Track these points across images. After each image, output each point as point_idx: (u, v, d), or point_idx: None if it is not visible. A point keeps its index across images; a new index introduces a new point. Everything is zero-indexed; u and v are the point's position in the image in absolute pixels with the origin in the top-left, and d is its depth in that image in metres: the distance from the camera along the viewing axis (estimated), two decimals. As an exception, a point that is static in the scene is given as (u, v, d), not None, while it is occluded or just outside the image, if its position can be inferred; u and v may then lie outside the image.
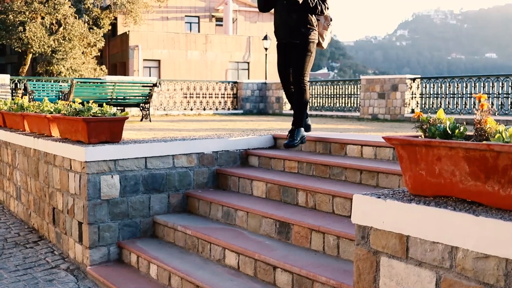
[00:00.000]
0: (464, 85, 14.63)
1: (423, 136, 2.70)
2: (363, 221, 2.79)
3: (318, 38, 6.24)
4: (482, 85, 14.27)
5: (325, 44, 6.35)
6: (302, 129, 6.20)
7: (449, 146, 2.46)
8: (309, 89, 7.07)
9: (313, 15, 6.06)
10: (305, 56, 6.04)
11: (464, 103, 14.72)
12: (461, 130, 2.58)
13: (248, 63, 38.70)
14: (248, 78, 36.72)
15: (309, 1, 5.88)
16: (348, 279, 3.64)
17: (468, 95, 14.67)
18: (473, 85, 14.43)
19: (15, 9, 26.77)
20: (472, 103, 14.63)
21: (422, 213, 2.51)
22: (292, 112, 6.34)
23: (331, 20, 6.29)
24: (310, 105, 19.71)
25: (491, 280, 2.26)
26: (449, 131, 2.60)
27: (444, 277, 2.43)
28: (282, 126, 11.01)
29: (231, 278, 4.46)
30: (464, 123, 2.70)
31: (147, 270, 5.16)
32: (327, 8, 6.07)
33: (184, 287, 4.60)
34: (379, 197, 2.72)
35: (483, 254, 2.29)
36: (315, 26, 6.10)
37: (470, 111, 14.33)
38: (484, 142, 2.39)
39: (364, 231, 2.80)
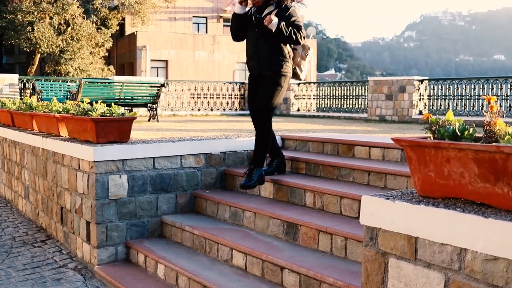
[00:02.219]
0: (472, 87, 14.57)
1: (432, 137, 2.70)
2: (372, 222, 2.79)
3: (295, 69, 5.66)
4: (490, 87, 14.20)
5: (302, 76, 5.75)
6: (263, 169, 5.58)
7: (459, 148, 2.46)
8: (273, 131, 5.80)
9: (288, 45, 5.48)
10: (274, 90, 5.43)
11: (472, 105, 14.65)
12: (471, 132, 2.57)
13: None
14: (256, 79, 36.65)
15: (282, 29, 5.24)
16: (356, 280, 3.64)
17: (476, 97, 14.60)
18: (481, 87, 14.37)
19: (23, 9, 26.85)
20: (480, 105, 14.57)
21: (431, 215, 2.51)
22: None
23: (309, 49, 5.70)
24: (318, 106, 19.70)
25: (500, 282, 2.26)
26: (458, 133, 2.59)
27: (453, 279, 2.43)
28: (289, 127, 11.01)
29: (238, 278, 4.47)
30: (474, 125, 2.70)
31: (154, 270, 5.17)
32: (303, 37, 5.42)
33: (191, 287, 4.61)
34: (387, 198, 2.72)
35: (492, 256, 2.28)
36: (288, 57, 5.50)
37: (478, 113, 14.26)
38: (494, 144, 2.38)
39: (373, 232, 2.79)
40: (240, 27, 5.59)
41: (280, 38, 5.32)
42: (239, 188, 5.84)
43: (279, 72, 5.42)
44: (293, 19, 5.34)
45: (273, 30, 5.23)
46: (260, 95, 5.47)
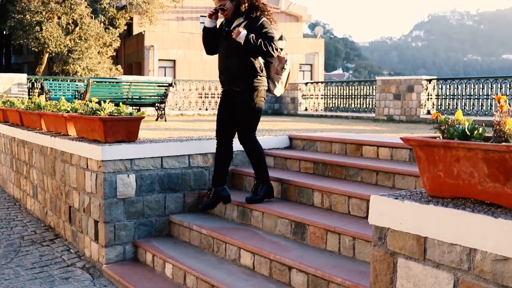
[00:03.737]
0: (481, 86, 14.51)
1: (441, 137, 2.69)
2: (381, 222, 2.78)
3: (269, 84, 5.34)
4: (499, 86, 14.13)
5: (278, 91, 5.42)
6: (268, 185, 5.38)
7: (468, 148, 2.45)
8: (259, 145, 5.39)
9: (259, 59, 5.19)
10: (247, 110, 5.17)
11: (480, 104, 14.59)
12: (480, 132, 2.56)
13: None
14: (263, 79, 36.66)
15: (251, 41, 4.94)
16: (364, 280, 3.63)
17: (485, 97, 14.54)
18: (489, 86, 14.30)
19: (32, 9, 26.93)
20: (489, 104, 14.50)
21: (440, 215, 2.50)
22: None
23: (286, 63, 5.38)
24: (325, 105, 19.67)
25: (510, 282, 2.25)
26: (467, 132, 2.58)
27: (462, 279, 2.42)
28: (298, 126, 11.00)
29: (246, 278, 4.47)
30: (483, 124, 2.68)
31: (162, 269, 5.18)
32: (276, 50, 5.08)
33: (199, 287, 4.61)
34: (396, 198, 2.71)
35: (502, 257, 2.27)
36: (261, 71, 5.18)
37: (486, 112, 14.20)
38: (504, 143, 2.37)
39: (381, 232, 2.79)
40: (210, 41, 5.35)
41: (250, 51, 5.04)
42: (246, 202, 5.40)
43: (250, 87, 5.12)
44: (264, 30, 5.06)
45: (242, 43, 4.97)
46: (238, 116, 5.22)
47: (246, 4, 5.13)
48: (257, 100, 5.19)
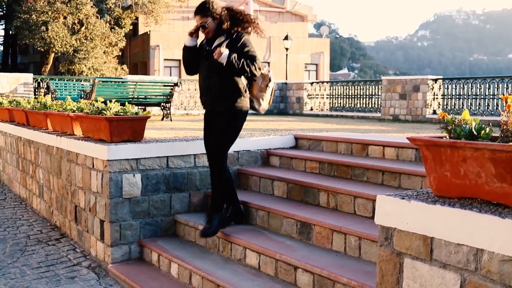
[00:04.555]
0: (487, 86, 14.45)
1: (448, 137, 2.68)
2: (387, 222, 2.77)
3: (253, 102, 5.16)
4: (505, 86, 14.08)
5: (262, 108, 5.23)
6: (223, 216, 5.12)
7: (475, 147, 2.44)
8: (229, 171, 5.27)
9: (242, 77, 5.01)
10: (227, 128, 4.98)
11: (486, 104, 14.54)
12: (487, 131, 2.55)
13: (269, 63, 38.63)
14: (268, 78, 36.64)
15: (233, 61, 4.75)
16: (370, 280, 3.62)
17: (491, 96, 14.49)
18: (496, 86, 14.25)
19: (38, 9, 27.00)
20: (495, 104, 14.45)
21: (447, 215, 2.49)
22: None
23: (270, 81, 5.18)
24: (331, 105, 19.65)
25: (518, 283, 2.24)
26: (474, 132, 2.57)
27: (469, 280, 2.41)
28: (303, 126, 10.99)
29: (251, 278, 4.46)
30: (490, 124, 2.67)
31: (168, 268, 5.18)
32: (259, 69, 4.92)
33: (204, 286, 4.61)
34: (403, 198, 2.71)
35: (509, 257, 2.26)
36: (244, 90, 5.00)
37: (493, 112, 14.15)
38: (511, 143, 2.36)
39: (388, 232, 2.78)
40: (191, 60, 5.14)
41: (232, 71, 4.85)
42: (199, 235, 5.25)
43: (233, 107, 4.93)
44: (246, 49, 4.88)
45: (224, 64, 4.78)
46: (214, 133, 5.03)
47: (229, 23, 4.96)
48: (237, 121, 5.02)
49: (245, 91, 5.03)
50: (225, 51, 4.77)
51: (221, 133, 4.99)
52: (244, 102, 5.01)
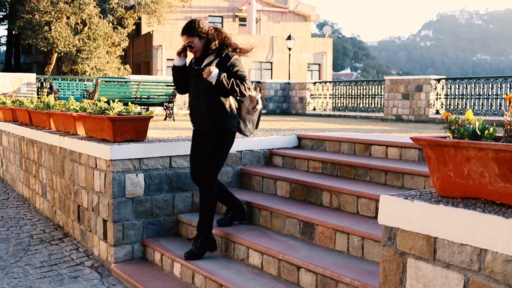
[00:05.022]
0: (490, 86, 14.43)
1: (451, 137, 2.67)
2: (390, 222, 2.77)
3: (240, 124, 5.07)
4: (508, 86, 14.06)
5: (248, 132, 5.14)
6: (208, 237, 5.01)
7: (479, 147, 2.43)
8: (216, 191, 5.10)
9: (231, 98, 4.92)
10: (214, 149, 4.88)
11: (490, 104, 14.51)
12: (491, 131, 2.54)
13: (271, 63, 38.67)
14: (271, 78, 36.71)
15: (223, 81, 4.66)
16: (373, 280, 3.62)
17: (494, 96, 14.47)
18: (499, 86, 14.23)
19: (41, 9, 27.06)
20: (498, 104, 14.42)
21: (451, 215, 2.48)
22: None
23: (257, 102, 5.09)
24: (334, 105, 19.63)
25: (521, 283, 2.23)
26: (478, 132, 2.56)
27: (473, 280, 2.40)
28: (306, 126, 10.98)
29: (254, 277, 4.46)
30: (494, 124, 2.66)
31: (170, 268, 5.19)
32: (248, 89, 4.81)
33: (207, 286, 4.61)
34: (406, 198, 2.70)
35: (513, 257, 2.26)
36: (232, 111, 4.91)
37: (496, 112, 14.12)
38: (515, 143, 2.35)
39: (391, 232, 2.77)
40: (180, 79, 5.12)
41: (221, 91, 4.77)
42: (183, 257, 5.03)
43: (221, 129, 4.86)
44: (235, 69, 4.79)
45: (213, 83, 4.70)
46: (201, 155, 4.94)
47: (217, 42, 4.89)
48: (225, 143, 4.93)
49: (233, 112, 4.93)
50: (214, 70, 4.70)
51: (208, 155, 4.90)
52: (232, 123, 4.92)
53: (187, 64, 5.11)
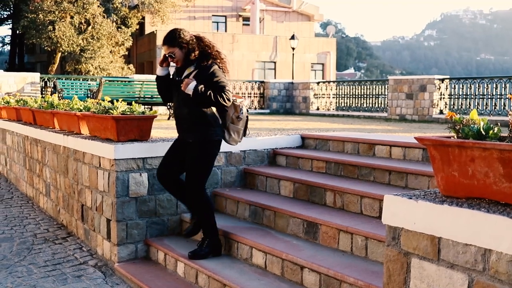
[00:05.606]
0: (494, 86, 14.40)
1: (456, 136, 2.67)
2: (394, 222, 2.76)
3: (225, 135, 4.99)
4: (512, 86, 14.04)
5: (233, 141, 5.04)
6: (216, 240, 5.03)
7: (483, 147, 2.43)
8: (208, 199, 5.09)
9: (212, 108, 4.85)
10: (197, 160, 4.86)
11: (494, 104, 14.49)
12: (495, 131, 2.54)
13: (275, 62, 38.68)
14: (275, 78, 36.70)
15: (200, 93, 4.63)
16: (377, 280, 3.62)
17: (498, 96, 14.44)
18: (503, 86, 14.20)
19: (45, 8, 27.10)
20: (502, 104, 14.40)
21: (455, 215, 2.48)
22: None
23: (241, 111, 4.98)
24: (337, 104, 19.62)
25: (526, 283, 2.22)
26: (483, 132, 2.56)
27: (477, 280, 2.40)
28: (309, 126, 10.98)
29: (258, 277, 4.46)
30: (499, 124, 2.66)
31: (174, 267, 5.19)
32: (228, 100, 4.72)
33: (211, 286, 4.61)
34: (410, 198, 2.70)
35: (517, 257, 2.25)
36: (215, 121, 4.87)
37: (500, 112, 14.10)
38: (520, 143, 2.35)
39: (395, 232, 2.77)
40: (164, 89, 5.07)
41: (199, 103, 4.72)
42: (188, 257, 5.02)
43: (202, 139, 4.83)
44: (216, 79, 4.73)
45: (191, 95, 4.67)
46: (187, 167, 4.93)
47: (197, 52, 4.82)
48: (208, 153, 4.90)
49: (215, 121, 4.89)
50: (192, 82, 4.68)
51: (194, 165, 4.88)
52: (215, 132, 4.88)
53: (171, 73, 5.06)
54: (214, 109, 4.88)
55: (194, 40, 4.85)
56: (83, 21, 28.68)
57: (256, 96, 21.05)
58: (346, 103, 19.40)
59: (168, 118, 14.31)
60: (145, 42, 38.45)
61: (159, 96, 14.34)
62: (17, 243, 6.43)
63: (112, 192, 5.52)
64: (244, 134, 5.14)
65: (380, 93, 18.20)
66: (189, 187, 4.93)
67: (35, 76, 17.85)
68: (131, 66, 32.57)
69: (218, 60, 4.87)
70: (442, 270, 2.54)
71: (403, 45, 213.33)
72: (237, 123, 5.01)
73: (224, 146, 6.08)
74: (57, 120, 7.64)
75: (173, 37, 4.81)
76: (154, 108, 15.04)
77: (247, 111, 5.12)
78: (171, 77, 5.05)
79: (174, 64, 4.96)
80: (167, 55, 4.84)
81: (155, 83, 5.22)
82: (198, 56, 4.84)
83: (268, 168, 6.32)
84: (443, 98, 15.50)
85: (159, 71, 4.99)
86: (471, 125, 2.62)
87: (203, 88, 4.65)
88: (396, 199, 2.75)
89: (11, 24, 41.62)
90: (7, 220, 7.51)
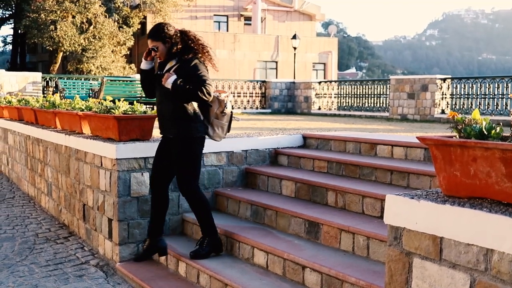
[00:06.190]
0: (496, 85, 14.39)
1: (458, 136, 2.66)
2: (396, 222, 2.76)
3: (209, 130, 4.94)
4: (514, 85, 14.02)
5: (217, 137, 5.01)
6: (215, 238, 5.00)
7: (485, 147, 2.42)
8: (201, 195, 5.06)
9: (193, 103, 4.81)
10: (182, 156, 4.84)
11: (495, 103, 14.48)
12: (498, 131, 2.53)
13: (276, 62, 38.68)
14: (276, 78, 36.70)
15: (179, 87, 4.63)
16: (379, 280, 3.61)
17: (500, 96, 14.43)
18: (505, 85, 14.19)
19: (46, 8, 27.14)
20: (504, 104, 14.39)
21: (457, 215, 2.47)
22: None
23: (225, 106, 4.93)
24: (339, 104, 19.62)
25: (528, 283, 2.22)
26: (485, 132, 2.55)
27: (479, 280, 2.39)
28: (311, 125, 10.98)
29: (259, 277, 4.46)
30: (501, 124, 2.65)
31: (175, 267, 5.19)
32: (209, 94, 4.65)
33: (212, 285, 4.61)
34: (412, 198, 2.69)
35: (519, 257, 2.25)
36: (197, 116, 4.83)
37: (502, 112, 14.09)
38: (522, 143, 2.34)
39: (397, 232, 2.77)
40: (146, 83, 5.06)
41: (179, 97, 4.70)
42: (189, 257, 4.99)
43: (183, 134, 4.81)
44: (197, 72, 4.71)
45: (170, 89, 4.66)
46: (175, 166, 4.92)
47: (179, 46, 4.80)
48: (192, 148, 4.86)
49: (197, 117, 4.85)
50: (172, 76, 4.68)
51: (180, 163, 4.89)
52: (196, 128, 4.84)
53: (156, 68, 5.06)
54: (195, 104, 4.84)
55: (178, 34, 4.85)
56: (84, 20, 28.72)
57: (258, 96, 21.05)
58: (348, 102, 19.40)
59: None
60: (147, 41, 38.42)
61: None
62: (19, 243, 6.43)
63: (114, 192, 5.52)
64: (229, 130, 5.12)
65: (381, 93, 18.20)
66: (180, 186, 4.94)
67: (37, 76, 17.86)
68: (132, 65, 32.58)
69: (200, 54, 4.85)
70: (444, 270, 2.54)
71: (404, 44, 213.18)
72: (222, 118, 4.97)
73: (225, 146, 6.09)
74: (59, 120, 7.64)
75: (157, 31, 4.87)
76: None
77: (232, 106, 5.10)
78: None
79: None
80: (150, 49, 4.87)
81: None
82: (181, 50, 4.82)
83: (270, 167, 6.32)
84: (445, 98, 15.49)
85: (143, 64, 4.99)
86: (473, 125, 2.62)
87: (181, 82, 4.65)
88: (398, 199, 2.74)
89: (13, 24, 41.67)
90: (9, 219, 7.52)
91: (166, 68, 4.87)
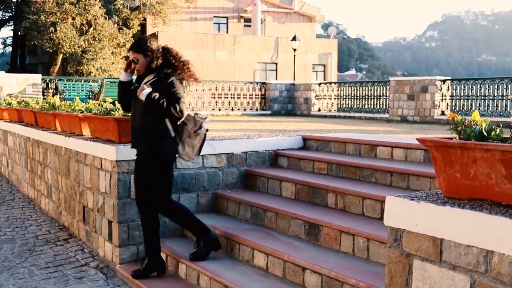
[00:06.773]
0: (496, 87, 14.39)
1: (457, 138, 2.66)
2: (396, 223, 2.76)
3: (179, 148, 4.80)
4: (514, 87, 14.01)
5: (186, 156, 4.86)
6: (209, 237, 4.99)
7: (485, 149, 2.42)
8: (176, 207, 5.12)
9: (167, 120, 4.73)
10: (155, 174, 4.82)
11: (495, 105, 14.47)
12: (497, 132, 2.53)
13: (276, 64, 38.66)
14: (276, 79, 36.68)
15: (153, 99, 4.57)
16: (378, 282, 3.61)
17: (500, 97, 14.42)
18: (505, 87, 14.18)
19: (46, 10, 27.14)
20: (504, 105, 14.38)
21: (457, 216, 2.47)
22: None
23: (200, 127, 4.83)
24: (339, 106, 19.62)
25: (528, 285, 2.22)
26: (485, 133, 2.55)
27: (479, 282, 2.39)
28: (311, 127, 10.98)
29: (259, 278, 4.46)
30: (501, 125, 2.65)
31: (175, 269, 5.18)
32: (181, 112, 4.63)
33: (212, 287, 4.60)
34: (412, 199, 2.69)
35: (520, 259, 2.24)
36: (167, 133, 4.73)
37: (501, 113, 14.09)
38: (522, 144, 2.34)
39: (397, 234, 2.76)
40: (123, 95, 5.01)
41: (152, 111, 4.63)
42: (189, 259, 5.01)
43: (154, 149, 4.78)
44: (173, 89, 4.68)
45: (143, 101, 4.61)
46: (148, 182, 4.89)
47: (159, 61, 4.79)
48: (162, 165, 4.83)
49: (168, 133, 4.77)
50: (147, 88, 4.64)
51: (152, 183, 4.86)
52: (166, 144, 4.77)
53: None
54: (168, 122, 4.76)
55: (160, 50, 4.85)
56: (84, 22, 28.72)
57: (258, 97, 21.05)
58: (348, 104, 19.40)
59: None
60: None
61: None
62: (19, 245, 6.43)
63: (114, 194, 5.51)
64: (200, 151, 4.96)
65: (381, 94, 18.19)
66: (154, 205, 4.95)
67: (37, 78, 17.85)
68: (132, 67, 32.55)
69: (180, 71, 4.83)
70: (444, 271, 2.54)
71: (404, 46, 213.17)
72: (194, 138, 4.87)
73: (225, 148, 6.09)
74: (58, 122, 7.64)
75: (139, 43, 4.89)
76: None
77: (207, 129, 4.98)
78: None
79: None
80: (130, 61, 4.85)
81: None
82: (160, 66, 4.81)
83: (270, 169, 6.32)
84: (445, 99, 15.49)
85: (122, 76, 4.96)
86: (473, 126, 2.62)
87: (156, 96, 4.60)
88: (398, 201, 2.74)
89: (13, 26, 41.69)
90: (9, 221, 7.51)
91: (144, 81, 4.83)
